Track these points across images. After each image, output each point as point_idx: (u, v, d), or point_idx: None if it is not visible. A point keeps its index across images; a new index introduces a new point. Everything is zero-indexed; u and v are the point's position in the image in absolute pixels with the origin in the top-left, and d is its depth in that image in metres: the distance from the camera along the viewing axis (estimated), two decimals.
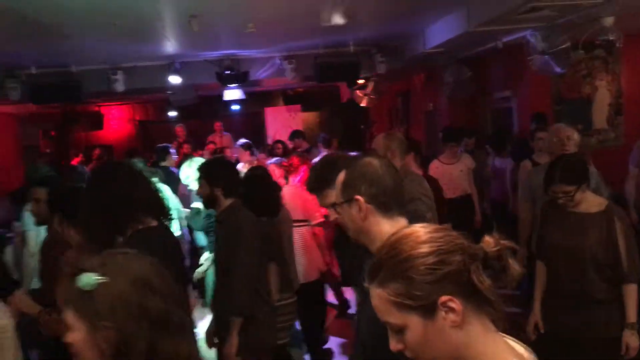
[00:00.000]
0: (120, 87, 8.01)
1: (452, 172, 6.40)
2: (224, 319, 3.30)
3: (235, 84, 8.38)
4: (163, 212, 2.59)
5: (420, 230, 1.27)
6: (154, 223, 2.50)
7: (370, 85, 10.03)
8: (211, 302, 3.80)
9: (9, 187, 7.26)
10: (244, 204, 3.52)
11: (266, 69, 8.66)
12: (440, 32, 6.98)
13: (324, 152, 7.32)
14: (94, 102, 11.55)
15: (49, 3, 4.86)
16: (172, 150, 8.01)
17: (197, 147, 11.13)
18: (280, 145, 8.98)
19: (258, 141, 11.56)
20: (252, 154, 7.45)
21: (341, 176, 1.83)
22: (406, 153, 3.88)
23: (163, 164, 7.38)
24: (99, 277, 1.33)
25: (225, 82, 8.21)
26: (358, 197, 1.75)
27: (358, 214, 1.75)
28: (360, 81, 9.38)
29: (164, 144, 7.99)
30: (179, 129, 11.04)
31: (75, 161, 10.63)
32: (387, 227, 1.73)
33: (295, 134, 9.49)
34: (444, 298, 1.18)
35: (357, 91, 10.80)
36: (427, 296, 1.18)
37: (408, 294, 1.19)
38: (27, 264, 4.43)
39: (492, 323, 1.25)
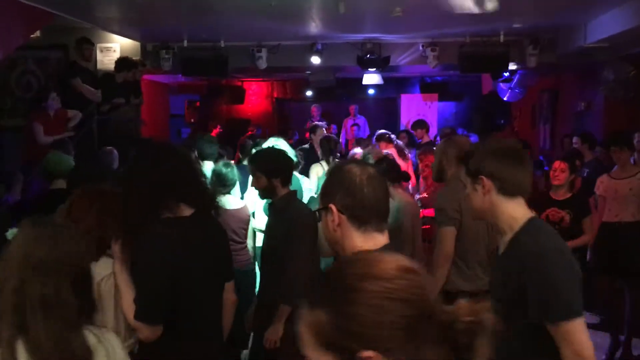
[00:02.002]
0: (262, 64, 8.23)
1: (619, 189, 4.92)
2: (270, 306, 3.26)
3: (375, 68, 8.27)
4: (202, 201, 2.45)
5: (388, 260, 1.02)
6: (188, 212, 2.37)
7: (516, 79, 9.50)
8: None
9: None
10: None
11: (407, 55, 8.46)
12: (605, 25, 6.36)
13: None
14: (237, 77, 12.01)
15: None
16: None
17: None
18: (405, 135, 8.43)
19: (391, 128, 11.38)
20: (389, 141, 7.04)
21: (324, 181, 1.79)
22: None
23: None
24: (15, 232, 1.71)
25: (365, 66, 8.14)
26: (332, 205, 1.67)
27: (332, 223, 1.68)
28: (506, 73, 8.87)
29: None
30: (314, 109, 11.19)
31: (213, 133, 11.13)
32: (358, 241, 1.66)
33: (417, 124, 8.87)
34: (366, 353, 0.94)
35: (501, 84, 10.28)
36: (348, 341, 0.95)
37: (333, 330, 0.96)
38: None
39: None
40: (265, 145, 4.55)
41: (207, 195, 2.53)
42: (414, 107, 12.69)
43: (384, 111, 13.73)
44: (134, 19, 6.94)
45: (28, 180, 5.30)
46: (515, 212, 2.01)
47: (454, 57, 8.00)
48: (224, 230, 2.67)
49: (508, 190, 1.99)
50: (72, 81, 6.69)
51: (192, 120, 12.59)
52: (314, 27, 7.32)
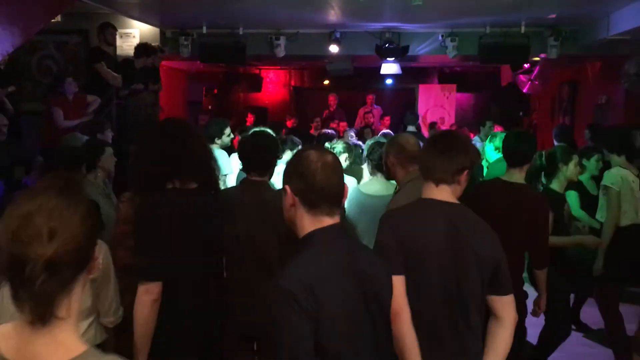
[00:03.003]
0: (281, 52, 8.21)
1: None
2: None
3: (393, 58, 8.21)
4: (205, 176, 2.63)
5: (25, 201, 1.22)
6: (193, 185, 2.54)
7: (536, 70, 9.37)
8: None
9: None
10: None
11: (426, 45, 8.39)
12: (629, 17, 6.24)
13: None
14: (254, 65, 12.00)
15: None
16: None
17: (349, 117, 11.21)
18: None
19: None
20: None
21: (286, 164, 1.90)
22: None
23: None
24: None
25: (384, 55, 8.08)
26: (287, 187, 1.80)
27: (288, 203, 1.80)
28: (526, 65, 8.75)
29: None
30: (332, 98, 11.16)
31: (249, 122, 11.25)
32: (308, 223, 1.77)
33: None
34: None
35: (521, 75, 10.16)
36: None
37: None
38: None
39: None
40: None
41: (208, 171, 2.66)
42: (432, 97, 12.61)
43: (401, 101, 13.64)
44: (154, 4, 6.96)
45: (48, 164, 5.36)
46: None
47: (474, 48, 7.92)
48: (222, 209, 2.72)
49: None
50: (96, 66, 6.73)
51: (210, 107, 12.63)
52: (333, 15, 7.28)
